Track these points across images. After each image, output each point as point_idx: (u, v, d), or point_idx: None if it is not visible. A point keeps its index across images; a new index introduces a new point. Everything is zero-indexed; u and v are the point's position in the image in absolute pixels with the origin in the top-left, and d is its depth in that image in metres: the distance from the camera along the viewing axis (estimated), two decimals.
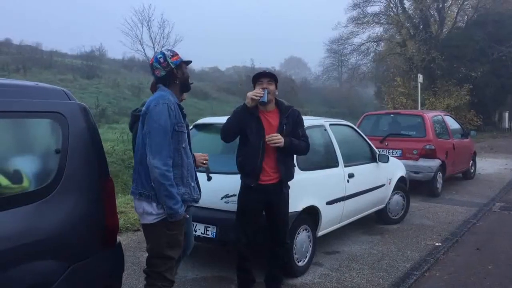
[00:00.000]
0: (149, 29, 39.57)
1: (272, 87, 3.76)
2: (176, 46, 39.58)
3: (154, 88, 3.80)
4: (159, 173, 2.77)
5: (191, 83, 3.21)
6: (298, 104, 30.21)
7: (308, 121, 4.99)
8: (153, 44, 39.55)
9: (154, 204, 2.88)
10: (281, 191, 3.81)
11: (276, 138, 3.63)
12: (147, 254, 3.11)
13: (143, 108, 2.97)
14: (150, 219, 2.91)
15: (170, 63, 3.02)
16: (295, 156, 4.12)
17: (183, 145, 2.96)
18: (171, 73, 3.04)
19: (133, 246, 5.36)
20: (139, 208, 2.96)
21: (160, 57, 3.02)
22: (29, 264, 2.29)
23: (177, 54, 3.09)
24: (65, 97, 2.68)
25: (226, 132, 3.78)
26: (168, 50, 3.11)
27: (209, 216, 4.36)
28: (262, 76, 3.80)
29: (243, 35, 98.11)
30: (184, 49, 44.16)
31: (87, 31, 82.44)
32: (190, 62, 3.19)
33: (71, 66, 36.35)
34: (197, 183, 3.15)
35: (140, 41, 39.56)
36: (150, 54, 39.92)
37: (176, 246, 3.04)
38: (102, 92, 29.96)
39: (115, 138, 11.27)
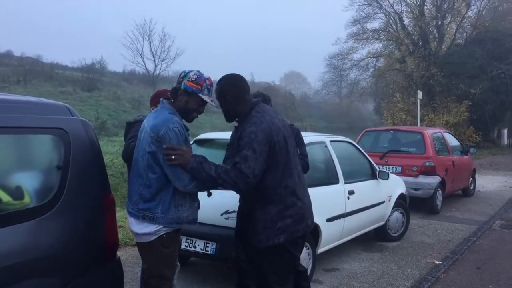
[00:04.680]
0: (150, 42, 39.77)
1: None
2: (176, 60, 39.81)
3: (156, 100, 3.75)
4: (199, 186, 2.82)
5: (199, 113, 2.99)
6: (298, 118, 30.28)
7: (309, 137, 5.00)
8: (154, 57, 39.72)
9: (156, 225, 2.79)
10: None
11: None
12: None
13: (151, 132, 2.78)
14: (147, 238, 2.82)
15: (183, 83, 2.87)
16: None
17: None
18: (176, 91, 2.90)
19: (131, 261, 5.32)
20: (139, 228, 2.83)
21: (183, 72, 2.91)
22: (29, 281, 2.27)
23: (199, 85, 2.86)
24: (68, 113, 2.68)
25: None
26: (197, 75, 2.89)
27: (209, 232, 4.34)
28: None
29: (243, 49, 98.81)
30: (184, 62, 44.44)
31: (88, 43, 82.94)
32: (214, 105, 3.00)
33: (71, 79, 36.49)
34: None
35: (140, 55, 39.71)
36: (151, 67, 40.10)
37: (173, 265, 2.98)
38: (102, 104, 30.07)
39: (114, 151, 11.27)
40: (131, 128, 4.04)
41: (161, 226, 2.79)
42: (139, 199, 2.81)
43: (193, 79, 2.87)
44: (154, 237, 2.80)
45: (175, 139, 2.74)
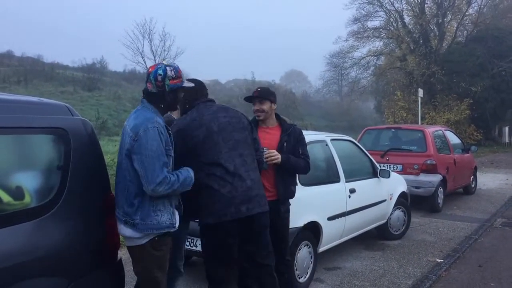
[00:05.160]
0: (150, 42, 39.79)
1: (265, 106, 3.75)
2: (177, 59, 39.80)
3: None
4: (167, 191, 2.67)
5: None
6: (298, 117, 30.36)
7: (310, 136, 4.99)
8: (154, 56, 39.70)
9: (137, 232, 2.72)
10: (278, 209, 3.70)
11: (273, 155, 3.59)
12: None
13: (130, 133, 2.71)
14: (138, 242, 2.76)
15: (166, 85, 2.80)
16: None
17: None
18: (161, 95, 2.83)
19: None
20: (130, 232, 2.75)
21: (160, 75, 2.79)
22: (29, 282, 2.27)
23: (179, 77, 2.86)
24: (68, 113, 2.67)
25: None
26: (174, 69, 2.84)
27: None
28: (253, 99, 3.80)
29: (244, 48, 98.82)
30: (185, 61, 44.46)
31: (88, 43, 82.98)
32: (191, 88, 3.01)
33: (72, 78, 36.53)
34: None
35: (141, 54, 39.75)
36: None
37: (164, 267, 2.89)
38: (103, 104, 30.10)
39: (115, 151, 11.27)
40: None
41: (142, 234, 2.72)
42: (124, 202, 2.75)
43: (173, 76, 2.83)
44: (146, 240, 2.74)
45: (153, 139, 2.65)
